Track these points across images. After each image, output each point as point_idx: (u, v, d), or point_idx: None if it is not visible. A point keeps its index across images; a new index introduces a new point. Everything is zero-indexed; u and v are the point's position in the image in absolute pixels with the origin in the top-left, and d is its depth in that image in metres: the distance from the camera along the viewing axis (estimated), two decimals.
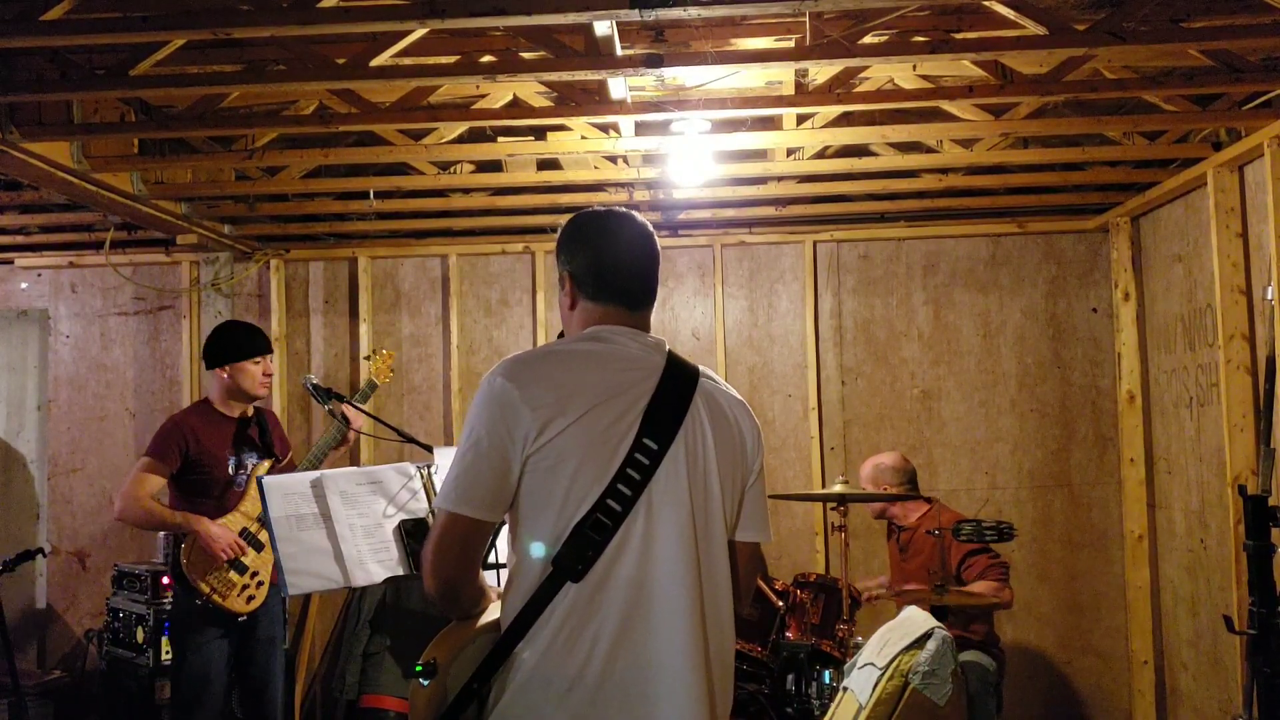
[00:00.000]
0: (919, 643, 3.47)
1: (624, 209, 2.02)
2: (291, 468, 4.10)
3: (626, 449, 1.81)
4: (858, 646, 3.83)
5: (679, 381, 1.90)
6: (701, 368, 1.98)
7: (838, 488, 4.24)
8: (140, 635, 4.85)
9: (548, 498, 1.80)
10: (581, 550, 1.78)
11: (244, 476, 3.99)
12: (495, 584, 2.03)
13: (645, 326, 1.98)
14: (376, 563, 3.21)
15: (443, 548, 1.83)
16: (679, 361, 1.94)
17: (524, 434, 1.79)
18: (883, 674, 3.43)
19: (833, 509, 4.42)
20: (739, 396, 2.03)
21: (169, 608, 4.72)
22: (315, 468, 3.90)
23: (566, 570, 1.78)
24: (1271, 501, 3.20)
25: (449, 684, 1.83)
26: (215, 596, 3.82)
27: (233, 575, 3.85)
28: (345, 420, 4.02)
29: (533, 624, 1.79)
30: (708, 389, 1.95)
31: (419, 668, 1.83)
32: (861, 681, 3.50)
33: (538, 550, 1.81)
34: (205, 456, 3.92)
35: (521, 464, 1.80)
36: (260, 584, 3.93)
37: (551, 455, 1.79)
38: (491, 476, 1.80)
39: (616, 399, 1.83)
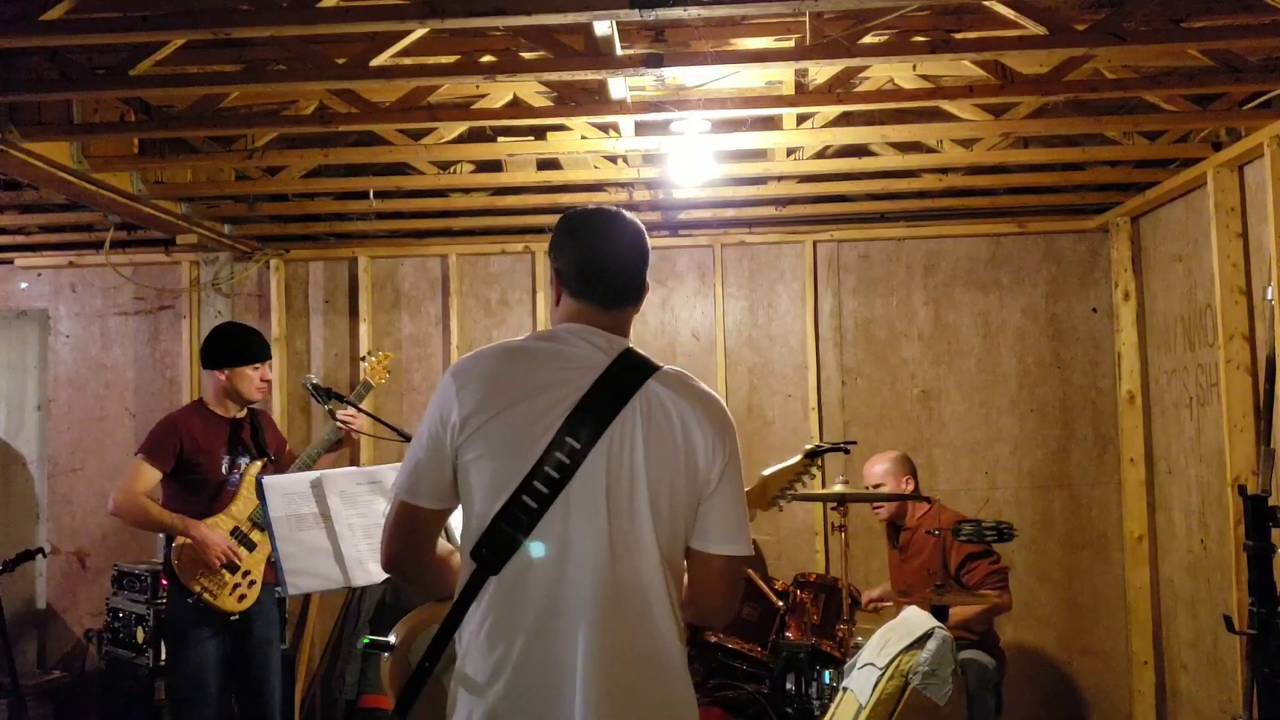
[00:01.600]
0: (919, 643, 3.48)
1: (614, 208, 2.03)
2: (290, 461, 4.10)
3: (544, 446, 1.82)
4: (858, 646, 3.83)
5: (618, 383, 1.88)
6: (669, 368, 1.94)
7: (838, 488, 4.24)
8: (140, 635, 4.86)
9: (474, 490, 1.86)
10: (496, 544, 1.82)
11: (237, 476, 3.99)
12: None
13: (620, 325, 1.98)
14: (376, 563, 3.21)
15: (392, 533, 1.94)
16: (632, 363, 1.91)
17: (452, 426, 1.86)
18: (883, 674, 3.44)
19: (833, 509, 4.42)
20: (702, 402, 1.92)
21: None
22: (308, 469, 3.90)
23: (484, 563, 1.83)
24: (1271, 501, 3.20)
25: (411, 660, 1.89)
26: (206, 595, 3.83)
27: (224, 574, 3.86)
28: (335, 428, 4.00)
29: (464, 614, 1.85)
30: (653, 391, 1.88)
31: (366, 640, 1.94)
32: (861, 681, 3.50)
33: (465, 542, 1.88)
34: (199, 456, 3.93)
35: (453, 457, 1.87)
36: (252, 583, 3.93)
37: (473, 449, 1.85)
38: (429, 468, 1.89)
39: (541, 396, 1.85)
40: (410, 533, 1.93)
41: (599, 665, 1.80)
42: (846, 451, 4.31)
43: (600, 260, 1.96)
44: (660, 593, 1.87)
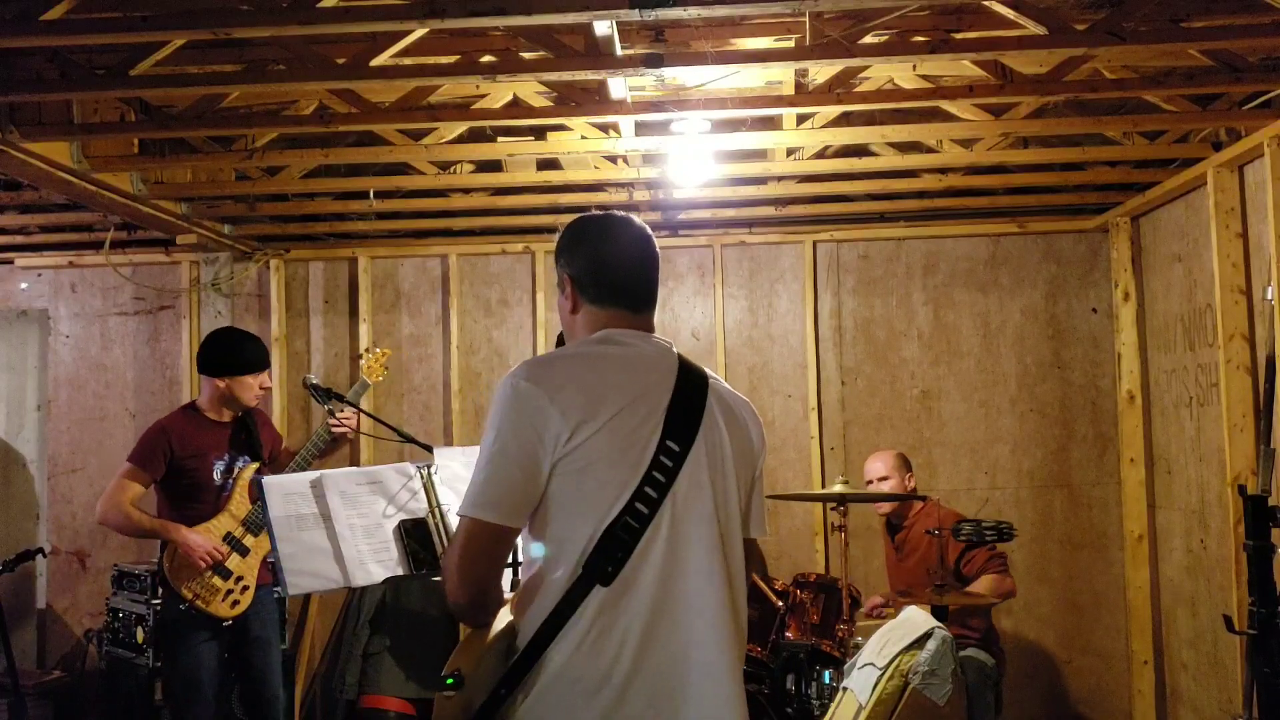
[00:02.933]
0: (919, 643, 3.48)
1: (622, 212, 2.04)
2: (287, 460, 4.07)
3: (652, 451, 1.82)
4: (858, 646, 3.84)
5: (693, 383, 1.93)
6: (705, 368, 2.01)
7: (838, 488, 4.25)
8: (140, 635, 4.85)
9: (577, 501, 1.80)
10: (612, 553, 1.78)
11: (230, 480, 3.97)
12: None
13: (649, 328, 2.00)
14: (376, 563, 3.21)
15: (469, 555, 1.82)
16: (688, 363, 1.97)
17: (554, 437, 1.78)
18: (883, 674, 3.44)
19: (833, 509, 4.42)
20: (744, 396, 2.08)
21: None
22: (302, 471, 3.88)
23: (597, 573, 1.78)
24: (1271, 501, 3.20)
25: (473, 692, 1.82)
26: (198, 602, 3.81)
27: (215, 580, 3.84)
28: (328, 429, 3.94)
29: (562, 627, 1.78)
30: (719, 389, 1.98)
31: (450, 680, 1.81)
32: (861, 681, 3.51)
33: (569, 554, 1.80)
34: (190, 461, 3.90)
35: (551, 467, 1.79)
36: (245, 588, 3.90)
37: (581, 458, 1.79)
38: (521, 481, 1.80)
39: (641, 401, 1.85)
40: (491, 556, 1.85)
41: (722, 657, 1.84)
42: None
43: (621, 265, 1.98)
44: (745, 580, 1.96)
